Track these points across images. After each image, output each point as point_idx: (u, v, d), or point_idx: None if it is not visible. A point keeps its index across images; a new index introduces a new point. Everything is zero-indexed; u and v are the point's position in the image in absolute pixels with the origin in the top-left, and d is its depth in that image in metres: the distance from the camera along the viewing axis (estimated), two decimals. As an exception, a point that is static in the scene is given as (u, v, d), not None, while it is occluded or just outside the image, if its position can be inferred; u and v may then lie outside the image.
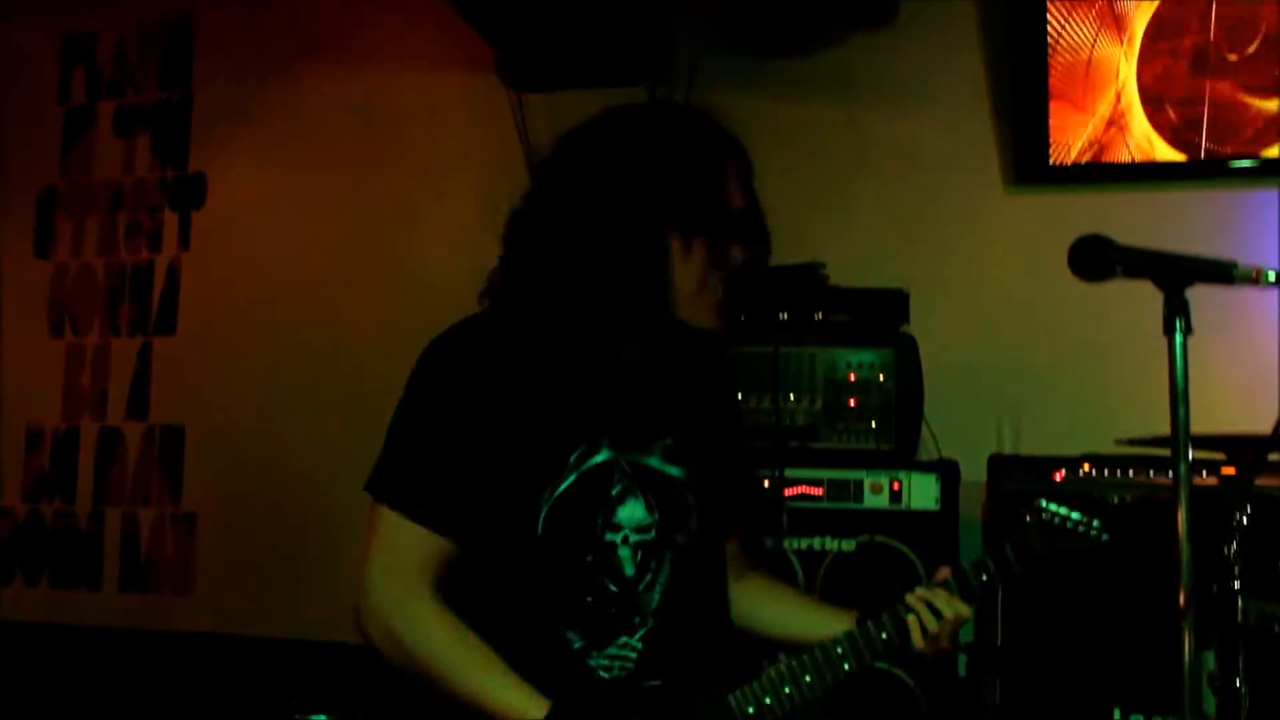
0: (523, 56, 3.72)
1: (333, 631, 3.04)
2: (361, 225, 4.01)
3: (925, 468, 2.86)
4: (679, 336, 1.67)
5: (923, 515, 2.79)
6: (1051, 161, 3.47)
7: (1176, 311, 1.32)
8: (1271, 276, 1.31)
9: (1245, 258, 3.83)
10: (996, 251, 3.49)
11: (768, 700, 1.62)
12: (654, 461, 1.66)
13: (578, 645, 1.60)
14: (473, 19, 3.59)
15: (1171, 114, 3.45)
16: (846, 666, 1.65)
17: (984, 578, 1.71)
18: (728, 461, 1.80)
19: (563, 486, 1.59)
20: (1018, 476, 2.78)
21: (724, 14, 3.61)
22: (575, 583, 1.60)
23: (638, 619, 1.63)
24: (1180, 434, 1.30)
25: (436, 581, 1.58)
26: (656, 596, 1.65)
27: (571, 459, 1.60)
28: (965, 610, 1.69)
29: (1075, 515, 1.70)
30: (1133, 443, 2.69)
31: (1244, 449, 2.40)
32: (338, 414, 3.82)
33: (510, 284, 1.68)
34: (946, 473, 2.84)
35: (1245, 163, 3.41)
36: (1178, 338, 1.32)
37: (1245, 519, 2.27)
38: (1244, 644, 2.35)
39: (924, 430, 3.00)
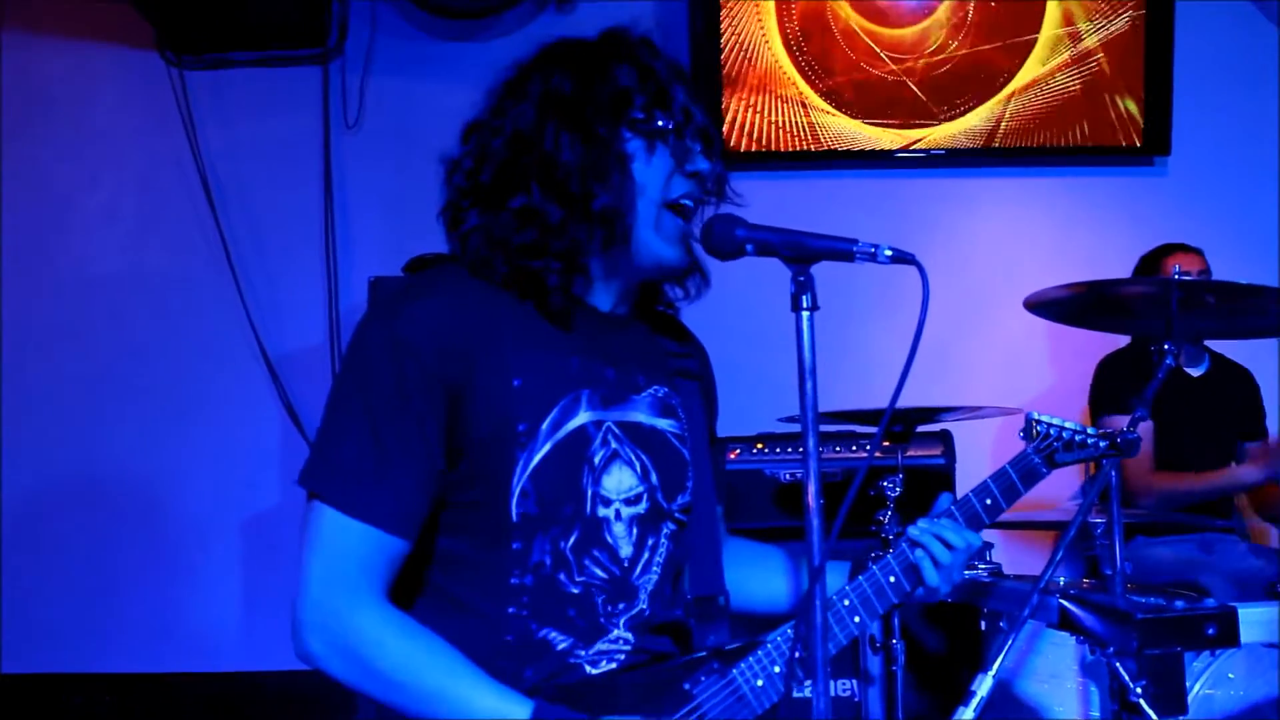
0: (184, 30, 3.48)
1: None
2: (3, 215, 3.65)
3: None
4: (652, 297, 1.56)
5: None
6: (730, 146, 3.58)
7: (802, 289, 1.33)
8: (888, 253, 1.34)
9: (927, 237, 3.96)
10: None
11: (777, 669, 1.46)
12: (641, 416, 1.48)
13: (561, 646, 1.40)
14: (125, -11, 3.33)
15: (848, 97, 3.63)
16: (857, 620, 1.52)
17: (988, 502, 1.61)
18: (709, 418, 1.65)
19: (538, 456, 1.39)
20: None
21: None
22: (560, 572, 1.40)
23: (625, 605, 1.44)
24: (808, 411, 1.32)
25: (387, 585, 1.37)
26: (654, 578, 1.46)
27: (545, 424, 1.40)
28: (976, 540, 1.57)
29: (1070, 425, 1.65)
30: (791, 420, 2.81)
31: (878, 423, 2.54)
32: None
33: (463, 219, 1.46)
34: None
35: (912, 153, 3.64)
36: (804, 315, 1.33)
37: (897, 488, 2.40)
38: (900, 609, 2.50)
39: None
